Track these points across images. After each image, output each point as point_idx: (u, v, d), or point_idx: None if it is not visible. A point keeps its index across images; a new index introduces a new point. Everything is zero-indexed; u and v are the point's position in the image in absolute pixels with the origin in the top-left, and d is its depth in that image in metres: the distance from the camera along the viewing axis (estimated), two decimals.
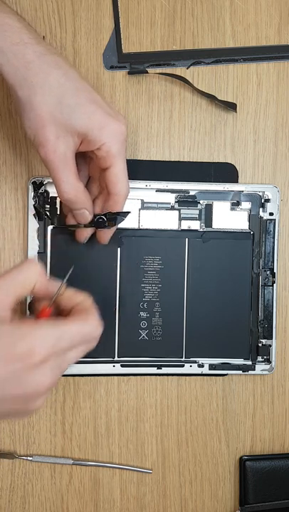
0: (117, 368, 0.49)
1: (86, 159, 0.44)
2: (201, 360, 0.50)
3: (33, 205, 0.48)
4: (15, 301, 0.36)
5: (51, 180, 0.48)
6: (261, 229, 0.50)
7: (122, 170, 0.42)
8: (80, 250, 0.48)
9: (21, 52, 0.38)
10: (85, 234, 0.46)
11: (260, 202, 0.50)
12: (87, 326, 0.36)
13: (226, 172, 0.51)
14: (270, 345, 0.51)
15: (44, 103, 0.38)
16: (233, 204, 0.50)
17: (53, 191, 0.48)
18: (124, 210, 0.44)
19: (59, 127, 0.39)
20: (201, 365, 0.50)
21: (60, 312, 0.38)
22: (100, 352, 0.49)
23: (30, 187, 0.48)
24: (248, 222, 0.50)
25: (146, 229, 0.49)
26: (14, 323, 0.34)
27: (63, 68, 0.39)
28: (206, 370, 0.50)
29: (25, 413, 0.36)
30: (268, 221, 0.50)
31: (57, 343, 0.34)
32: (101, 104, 0.40)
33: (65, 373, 0.49)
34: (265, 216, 0.50)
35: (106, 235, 0.46)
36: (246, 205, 0.50)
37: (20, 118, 0.40)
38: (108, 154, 0.40)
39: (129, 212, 0.44)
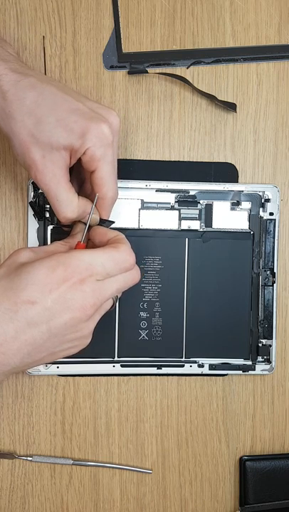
0: (117, 368, 0.49)
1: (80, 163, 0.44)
2: (201, 360, 0.50)
3: (29, 202, 0.48)
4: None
5: None
6: (261, 229, 0.50)
7: (108, 173, 0.41)
8: None
9: None
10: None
11: (260, 202, 0.50)
12: (117, 253, 0.38)
13: (226, 172, 0.51)
14: (270, 345, 0.50)
15: (23, 127, 0.38)
16: (233, 204, 0.50)
17: None
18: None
19: (43, 147, 0.38)
20: (201, 365, 0.50)
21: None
22: (100, 352, 0.49)
23: (30, 187, 0.48)
24: (248, 222, 0.50)
25: (146, 229, 0.49)
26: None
27: (38, 88, 0.39)
28: (206, 370, 0.50)
29: (81, 341, 0.38)
30: (268, 221, 0.50)
31: (90, 266, 0.36)
32: (83, 111, 0.39)
33: (65, 373, 0.49)
34: (265, 216, 0.50)
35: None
36: (246, 205, 0.50)
37: (11, 149, 0.40)
38: (92, 158, 0.40)
39: (112, 222, 0.43)
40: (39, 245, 0.48)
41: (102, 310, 0.39)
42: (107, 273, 0.37)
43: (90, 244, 0.42)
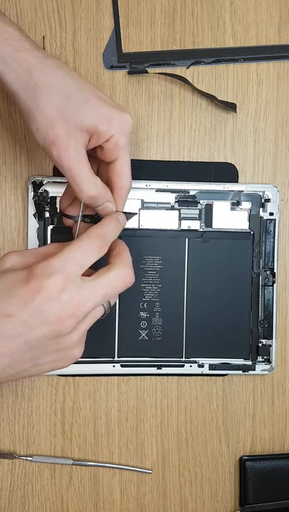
0: (117, 368, 0.49)
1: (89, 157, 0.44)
2: (201, 360, 0.50)
3: (33, 199, 0.48)
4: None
5: (51, 180, 0.48)
6: (261, 229, 0.50)
7: (128, 163, 0.42)
8: None
9: (23, 58, 0.38)
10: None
11: (260, 202, 0.50)
12: (85, 240, 0.37)
13: (226, 172, 0.51)
14: (270, 345, 0.50)
15: (51, 101, 0.38)
16: (233, 204, 0.50)
17: (53, 191, 0.48)
18: (126, 210, 0.43)
19: (68, 124, 0.38)
20: (201, 365, 0.50)
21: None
22: (100, 352, 0.49)
23: (30, 187, 0.48)
24: (248, 222, 0.50)
25: (146, 229, 0.49)
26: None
27: (65, 69, 0.40)
28: (206, 370, 0.50)
29: (66, 353, 0.37)
30: (268, 221, 0.50)
31: (62, 269, 0.35)
32: (107, 100, 0.40)
33: (65, 373, 0.49)
34: (265, 216, 0.50)
35: None
36: (246, 205, 0.50)
37: (27, 123, 0.39)
38: (116, 146, 0.40)
39: (135, 214, 0.43)
40: (39, 245, 0.48)
41: (91, 319, 0.37)
42: (81, 266, 0.35)
43: None
